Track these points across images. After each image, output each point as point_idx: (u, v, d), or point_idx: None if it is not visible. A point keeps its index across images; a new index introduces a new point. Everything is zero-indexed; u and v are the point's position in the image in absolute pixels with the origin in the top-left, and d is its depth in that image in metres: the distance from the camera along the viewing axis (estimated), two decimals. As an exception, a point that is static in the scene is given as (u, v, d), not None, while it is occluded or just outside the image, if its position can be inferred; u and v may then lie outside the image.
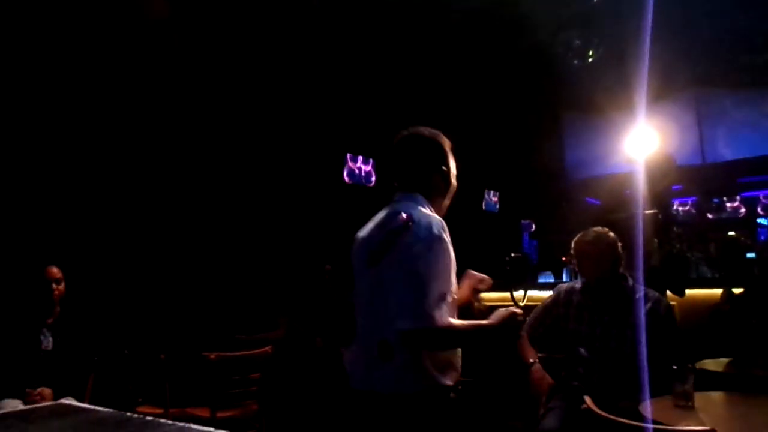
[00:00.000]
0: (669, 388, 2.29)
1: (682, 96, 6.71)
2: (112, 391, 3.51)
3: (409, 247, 1.75)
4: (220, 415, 3.40)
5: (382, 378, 1.78)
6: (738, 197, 6.67)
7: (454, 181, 2.02)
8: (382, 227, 1.87)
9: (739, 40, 5.52)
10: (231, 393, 3.43)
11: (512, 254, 2.49)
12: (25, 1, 3.74)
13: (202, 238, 4.86)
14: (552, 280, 5.38)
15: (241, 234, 5.09)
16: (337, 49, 5.00)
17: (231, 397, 3.45)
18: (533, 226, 6.30)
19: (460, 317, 1.89)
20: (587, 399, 2.06)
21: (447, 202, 2.03)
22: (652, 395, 2.32)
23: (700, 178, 6.58)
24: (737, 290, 3.63)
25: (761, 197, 7.11)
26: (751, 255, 4.78)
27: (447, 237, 1.80)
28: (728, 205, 6.90)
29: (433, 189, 1.96)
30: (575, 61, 5.26)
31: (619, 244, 2.88)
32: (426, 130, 2.01)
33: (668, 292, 3.67)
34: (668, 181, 4.55)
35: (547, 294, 3.14)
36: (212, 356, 3.42)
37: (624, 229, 3.24)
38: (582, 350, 2.82)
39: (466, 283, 2.12)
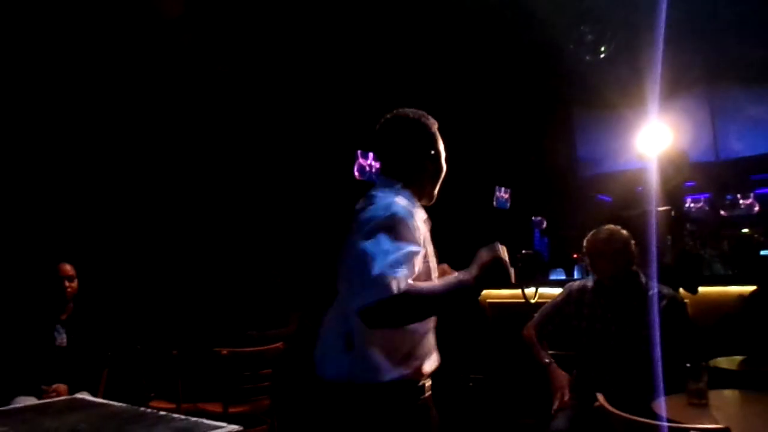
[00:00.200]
0: (682, 386, 2.27)
1: (696, 92, 6.65)
2: (125, 386, 3.55)
3: (362, 227, 1.59)
4: (232, 410, 3.42)
5: (340, 367, 1.65)
6: (752, 194, 6.59)
7: (444, 164, 1.85)
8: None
9: (752, 35, 5.46)
10: (243, 388, 3.46)
11: (523, 251, 2.48)
12: (27, 2, 3.77)
13: (214, 234, 4.89)
14: (563, 277, 5.34)
15: (252, 230, 5.12)
16: (348, 46, 5.01)
17: (243, 393, 3.47)
18: (544, 223, 6.25)
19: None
20: (600, 396, 2.05)
21: (436, 188, 1.85)
22: (666, 393, 2.31)
23: (714, 174, 6.51)
24: (750, 288, 3.59)
25: (775, 194, 7.02)
26: (765, 252, 4.73)
27: (413, 221, 1.61)
28: (742, 202, 6.82)
29: (421, 175, 1.79)
30: (587, 57, 5.22)
31: (632, 242, 2.87)
32: (411, 112, 1.82)
33: (681, 290, 3.65)
34: (681, 177, 4.51)
35: (558, 291, 3.13)
36: (224, 352, 3.44)
37: (636, 226, 3.21)
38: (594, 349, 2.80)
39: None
